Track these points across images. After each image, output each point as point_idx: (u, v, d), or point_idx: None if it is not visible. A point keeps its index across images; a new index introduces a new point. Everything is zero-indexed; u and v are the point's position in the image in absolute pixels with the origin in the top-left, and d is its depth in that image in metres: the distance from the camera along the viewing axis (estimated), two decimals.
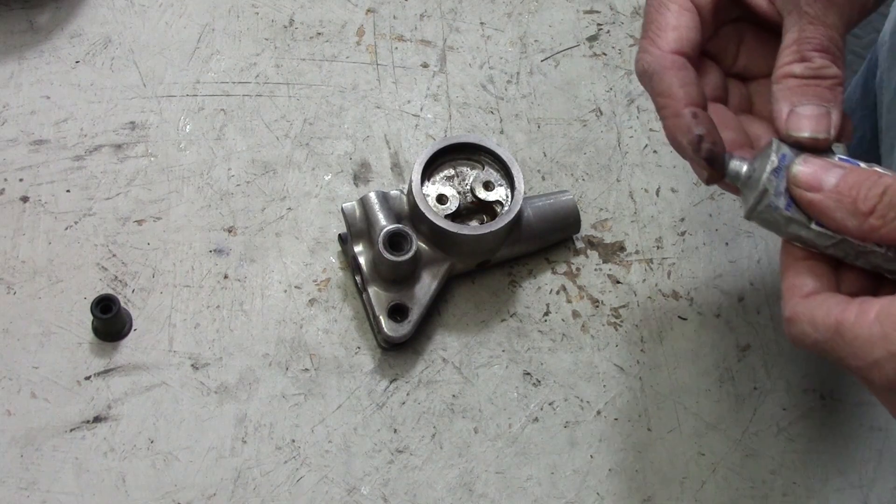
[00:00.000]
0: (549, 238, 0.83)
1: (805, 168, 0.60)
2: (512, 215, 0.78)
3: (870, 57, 1.06)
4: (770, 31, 0.69)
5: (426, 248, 0.79)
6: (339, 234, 0.82)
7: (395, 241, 0.77)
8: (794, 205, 0.61)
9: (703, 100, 0.65)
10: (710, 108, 0.66)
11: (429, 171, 0.80)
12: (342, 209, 0.79)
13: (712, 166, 0.63)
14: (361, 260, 0.79)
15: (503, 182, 0.80)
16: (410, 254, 0.76)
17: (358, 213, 0.79)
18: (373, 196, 0.79)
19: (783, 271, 0.63)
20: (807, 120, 0.61)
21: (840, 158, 0.62)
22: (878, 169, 0.60)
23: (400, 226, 0.77)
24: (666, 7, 0.67)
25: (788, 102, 0.62)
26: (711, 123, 0.63)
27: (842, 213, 0.59)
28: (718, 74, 0.70)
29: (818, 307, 0.59)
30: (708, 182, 0.64)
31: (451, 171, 0.81)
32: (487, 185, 0.80)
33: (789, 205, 0.61)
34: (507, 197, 0.80)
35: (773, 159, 0.61)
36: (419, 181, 0.78)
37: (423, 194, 0.78)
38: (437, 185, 0.80)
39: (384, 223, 0.77)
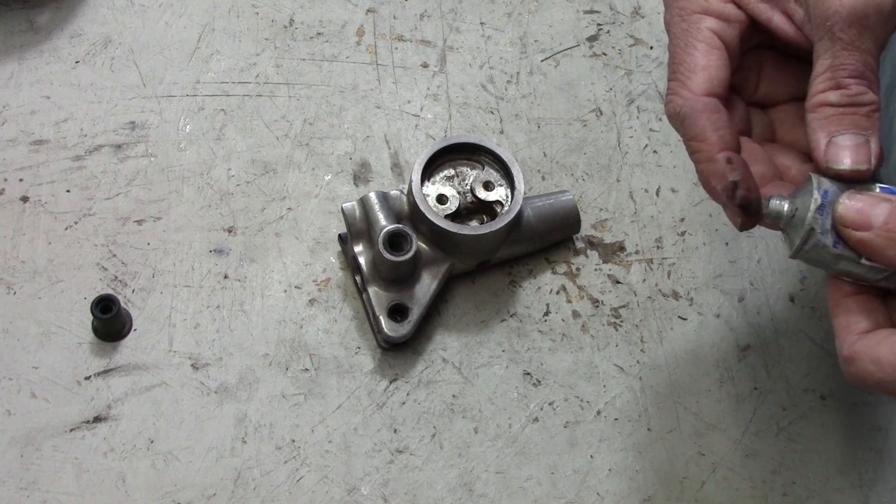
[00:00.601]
0: (549, 238, 0.83)
1: (851, 205, 0.59)
2: (512, 215, 0.78)
3: None
4: (789, 55, 0.68)
5: (426, 248, 0.79)
6: (339, 234, 0.82)
7: (395, 241, 0.77)
8: (841, 242, 0.60)
9: (737, 143, 0.63)
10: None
11: (429, 171, 0.80)
12: (342, 209, 0.79)
13: (746, 213, 0.62)
14: (361, 260, 0.79)
15: (503, 182, 0.80)
16: (410, 254, 0.76)
17: (358, 213, 0.79)
18: (373, 196, 0.79)
19: (833, 308, 0.62)
20: (846, 151, 0.60)
21: (881, 188, 0.60)
22: None
23: (400, 226, 0.77)
24: (693, 47, 0.65)
25: (826, 132, 0.61)
26: (746, 169, 0.62)
27: (895, 251, 0.58)
28: (742, 106, 0.69)
29: (881, 345, 0.58)
30: (742, 228, 0.63)
31: (451, 171, 0.81)
32: (487, 185, 0.80)
33: (837, 242, 0.60)
34: (507, 197, 0.80)
35: (816, 196, 0.60)
36: (419, 181, 0.78)
37: (423, 194, 0.78)
38: (437, 185, 0.80)
39: (384, 223, 0.77)
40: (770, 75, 0.69)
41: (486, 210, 0.80)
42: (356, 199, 0.80)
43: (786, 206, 0.62)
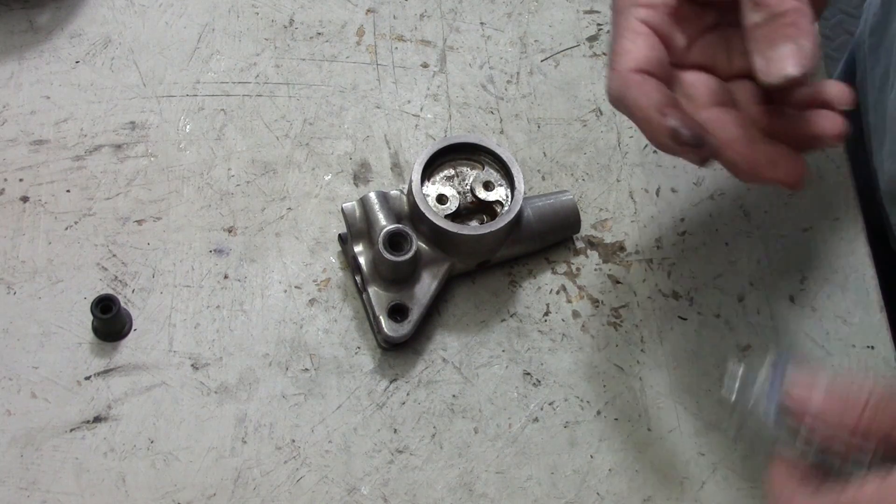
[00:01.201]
0: (549, 238, 0.83)
1: (793, 394, 0.62)
2: (512, 215, 0.78)
3: (846, 59, 1.06)
4: None
5: (426, 248, 0.79)
6: (339, 234, 0.82)
7: (395, 241, 0.77)
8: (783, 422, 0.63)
9: (672, 100, 0.65)
10: (718, 112, 0.67)
11: (429, 171, 0.80)
12: (342, 209, 0.79)
13: (697, 146, 0.64)
14: (361, 260, 0.79)
15: (503, 182, 0.80)
16: (410, 254, 0.76)
17: (358, 213, 0.79)
18: (373, 196, 0.79)
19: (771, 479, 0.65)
20: (778, 63, 0.62)
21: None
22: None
23: (400, 226, 0.77)
24: (623, 36, 0.68)
25: (762, 56, 0.63)
26: (682, 112, 0.64)
27: (829, 432, 0.61)
28: (718, 83, 0.70)
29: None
30: (701, 163, 0.65)
31: (451, 171, 0.81)
32: (487, 185, 0.80)
33: (779, 420, 0.63)
34: (507, 197, 0.80)
35: (763, 378, 0.63)
36: (419, 181, 0.78)
37: (423, 194, 0.78)
38: (437, 185, 0.80)
39: (384, 223, 0.77)
40: (738, 47, 0.71)
41: (486, 210, 0.80)
42: (356, 199, 0.80)
43: (739, 372, 0.65)
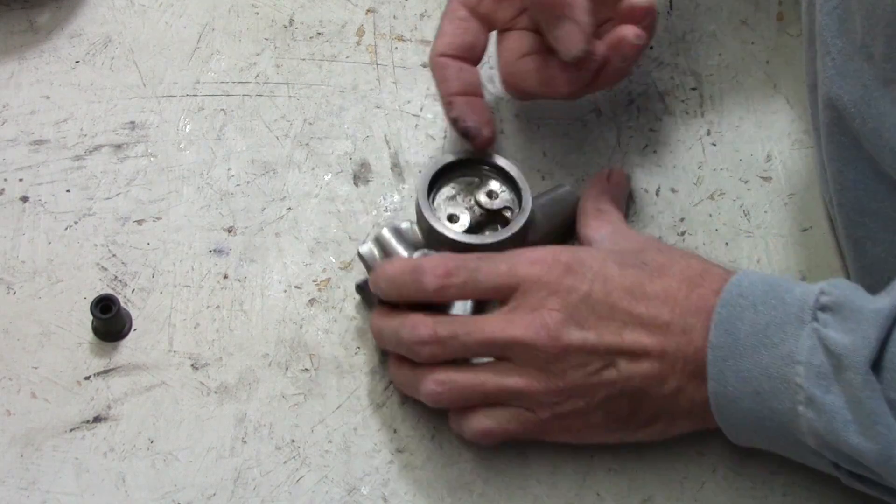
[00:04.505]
0: (558, 232, 0.83)
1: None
2: (526, 215, 0.78)
3: None
4: None
5: None
6: (358, 284, 0.80)
7: None
8: None
9: (467, 87, 0.80)
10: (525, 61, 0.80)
11: (431, 194, 0.79)
12: (359, 254, 0.77)
13: (468, 138, 0.79)
14: None
15: (505, 187, 0.80)
16: None
17: (377, 252, 0.77)
18: (386, 232, 0.77)
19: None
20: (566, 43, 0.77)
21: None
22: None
23: (425, 250, 0.76)
24: (445, 16, 0.81)
25: (551, 37, 0.77)
26: (464, 106, 0.79)
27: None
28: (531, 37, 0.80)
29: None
30: (475, 148, 0.80)
31: (452, 191, 0.81)
32: (491, 195, 0.80)
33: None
34: (513, 200, 0.80)
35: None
36: (428, 206, 0.78)
37: (437, 216, 0.78)
38: (442, 207, 0.80)
39: (406, 254, 0.76)
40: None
41: (497, 218, 0.80)
42: (356, 199, 0.80)
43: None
